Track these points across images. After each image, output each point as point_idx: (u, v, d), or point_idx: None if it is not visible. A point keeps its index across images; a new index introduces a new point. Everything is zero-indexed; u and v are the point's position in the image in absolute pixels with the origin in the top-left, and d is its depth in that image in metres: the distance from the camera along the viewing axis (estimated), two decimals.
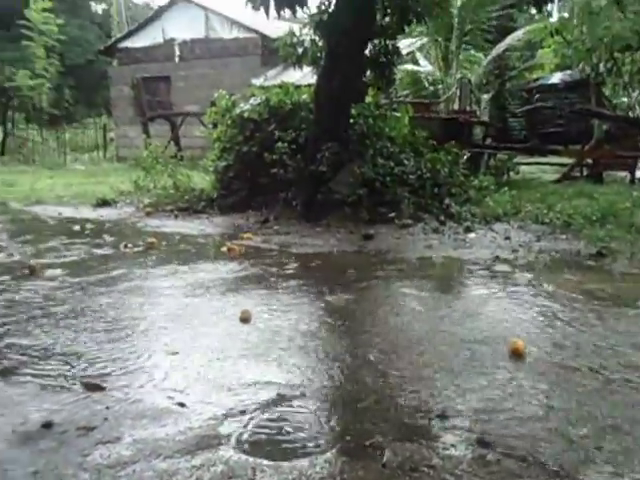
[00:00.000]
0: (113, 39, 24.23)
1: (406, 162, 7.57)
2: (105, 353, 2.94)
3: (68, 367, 2.76)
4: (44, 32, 23.98)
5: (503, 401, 2.42)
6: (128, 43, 21.71)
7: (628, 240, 5.31)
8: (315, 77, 8.18)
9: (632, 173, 10.40)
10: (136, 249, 5.63)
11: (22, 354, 2.94)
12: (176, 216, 7.74)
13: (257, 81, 14.17)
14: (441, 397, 2.50)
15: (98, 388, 2.52)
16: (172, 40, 20.58)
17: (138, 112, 17.61)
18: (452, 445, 2.09)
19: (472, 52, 13.64)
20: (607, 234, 5.61)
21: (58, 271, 4.69)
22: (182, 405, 2.38)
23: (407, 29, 8.57)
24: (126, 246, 5.73)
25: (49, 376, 2.66)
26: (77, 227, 6.90)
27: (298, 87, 8.68)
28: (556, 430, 2.18)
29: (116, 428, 2.19)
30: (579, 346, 3.01)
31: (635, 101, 12.69)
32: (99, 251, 5.60)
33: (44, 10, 23.89)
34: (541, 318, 3.48)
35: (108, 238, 6.24)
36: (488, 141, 11.62)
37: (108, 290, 4.11)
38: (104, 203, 8.82)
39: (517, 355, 2.87)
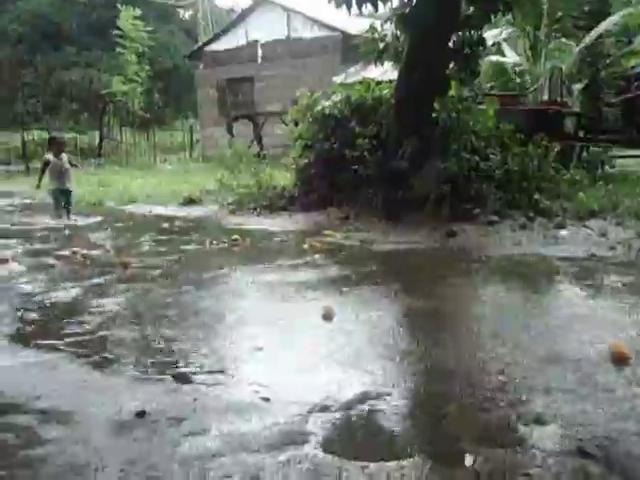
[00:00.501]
0: (199, 43, 25.11)
1: (492, 156, 7.29)
2: (193, 347, 3.01)
3: (159, 360, 2.86)
4: (135, 39, 25.26)
5: (605, 409, 2.24)
6: (213, 47, 22.43)
7: None
8: (396, 72, 8.06)
9: None
10: (221, 245, 5.78)
11: (120, 346, 3.07)
12: (258, 214, 7.88)
13: (337, 79, 14.18)
14: (537, 402, 2.36)
15: (187, 380, 2.59)
16: (255, 42, 21.04)
17: (222, 113, 18.15)
18: (550, 454, 1.96)
19: (563, 40, 12.94)
20: None
21: (147, 266, 4.89)
22: (267, 400, 2.39)
23: (493, 19, 8.23)
24: (211, 243, 5.89)
25: (142, 367, 2.76)
26: (166, 224, 7.19)
27: (379, 83, 8.58)
28: None
29: (204, 420, 2.23)
30: None
31: None
32: (187, 247, 5.80)
33: (135, 18, 25.13)
34: (638, 321, 3.23)
35: (194, 235, 6.45)
36: (581, 133, 10.98)
37: (197, 286, 4.23)
38: (190, 201, 9.14)
39: (620, 360, 2.66)
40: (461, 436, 2.11)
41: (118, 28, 25.32)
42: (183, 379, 2.60)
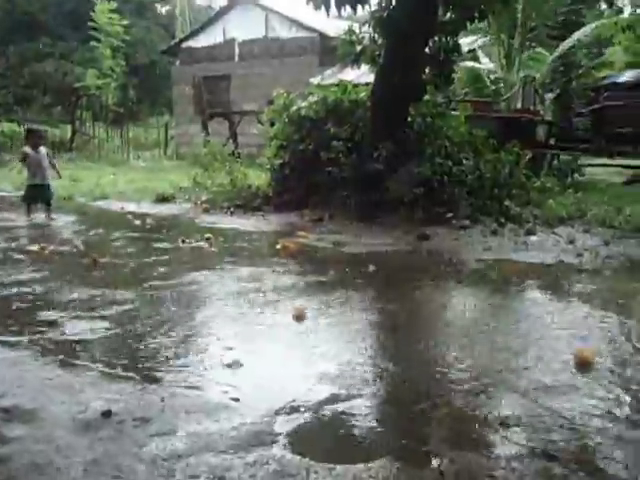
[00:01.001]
0: (176, 39, 24.88)
1: (465, 162, 7.39)
2: (161, 347, 2.98)
3: (127, 359, 2.82)
4: (110, 33, 24.88)
5: (569, 412, 2.29)
6: (190, 43, 22.25)
7: None
8: (372, 76, 8.11)
9: None
10: (194, 244, 5.72)
11: (86, 344, 3.02)
12: (232, 213, 7.84)
13: (315, 80, 14.20)
14: (501, 404, 2.40)
15: (155, 380, 2.56)
16: (232, 40, 20.93)
17: (198, 110, 17.98)
18: (514, 455, 1.99)
19: (537, 49, 13.18)
20: None
21: (117, 263, 4.82)
22: (235, 400, 2.37)
23: (469, 26, 8.35)
24: (184, 241, 5.83)
25: (108, 366, 2.72)
26: (138, 222, 7.09)
27: (356, 86, 8.62)
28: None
29: (171, 420, 2.21)
30: None
31: None
32: (159, 245, 5.73)
33: (110, 11, 24.76)
34: (604, 326, 3.30)
35: (167, 233, 6.38)
36: (551, 141, 11.21)
37: (166, 285, 4.18)
38: (163, 199, 9.04)
39: (584, 364, 2.72)
40: (429, 437, 2.13)
41: (93, 21, 24.92)
42: (151, 379, 2.57)
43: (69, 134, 21.10)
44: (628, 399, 2.41)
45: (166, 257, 5.17)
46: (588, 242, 5.63)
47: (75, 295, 3.86)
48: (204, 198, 8.81)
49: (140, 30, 31.70)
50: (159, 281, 4.26)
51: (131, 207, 8.47)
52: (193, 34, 22.69)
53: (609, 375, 2.64)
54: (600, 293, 4.07)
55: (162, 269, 4.66)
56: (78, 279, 4.32)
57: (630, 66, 13.92)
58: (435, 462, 1.96)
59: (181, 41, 23.14)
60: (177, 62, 23.50)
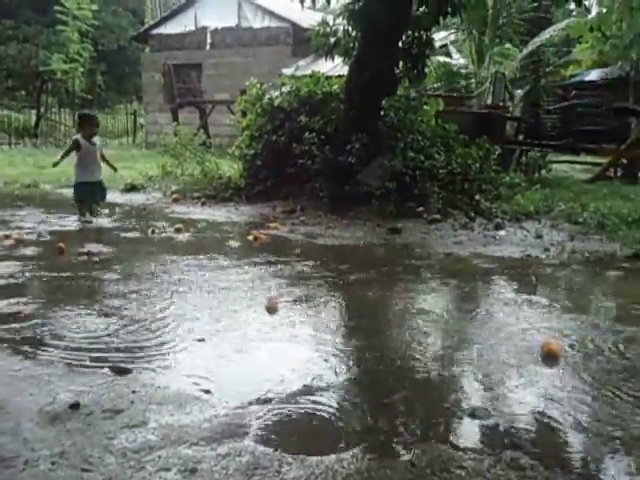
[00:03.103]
0: (146, 26, 24.41)
1: (436, 156, 7.46)
2: (131, 339, 2.94)
3: (96, 351, 2.77)
4: (78, 17, 24.26)
5: (536, 404, 2.34)
6: (161, 30, 21.85)
7: None
8: (346, 68, 8.10)
9: None
10: (163, 235, 5.65)
11: (54, 335, 2.95)
12: (203, 203, 7.76)
13: (288, 71, 14.10)
14: (470, 396, 2.44)
15: (125, 372, 2.52)
16: (204, 28, 20.63)
17: (168, 99, 17.71)
18: (483, 446, 2.03)
19: (507, 46, 13.36)
20: None
21: (84, 252, 4.73)
22: (207, 392, 2.36)
23: (442, 21, 8.40)
24: (153, 232, 5.75)
25: (77, 358, 2.66)
26: (106, 211, 6.96)
27: (329, 78, 8.60)
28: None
29: (142, 412, 2.18)
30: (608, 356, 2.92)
31: None
32: (127, 235, 5.64)
33: None
34: (570, 319, 3.38)
35: (136, 223, 6.28)
36: (520, 138, 11.40)
37: (136, 276, 4.12)
38: (132, 188, 8.89)
39: (551, 356, 2.78)
40: (400, 429, 2.16)
41: (61, 4, 24.25)
42: (121, 371, 2.53)
43: (34, 119, 20.55)
44: (593, 391, 2.47)
45: (134, 247, 5.09)
46: (554, 237, 5.75)
47: (41, 285, 3.77)
48: (174, 188, 8.71)
49: (109, 15, 30.97)
50: (127, 272, 4.19)
51: None
52: (163, 21, 22.28)
53: (575, 367, 2.71)
54: (566, 286, 4.16)
55: (130, 259, 4.59)
56: (43, 268, 4.22)
57: (597, 65, 14.20)
58: (406, 454, 1.98)
59: (151, 27, 22.70)
60: (147, 49, 23.07)
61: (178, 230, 5.75)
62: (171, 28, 21.39)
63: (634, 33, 11.14)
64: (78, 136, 6.27)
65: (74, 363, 2.60)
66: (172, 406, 2.24)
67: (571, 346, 2.95)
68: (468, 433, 2.13)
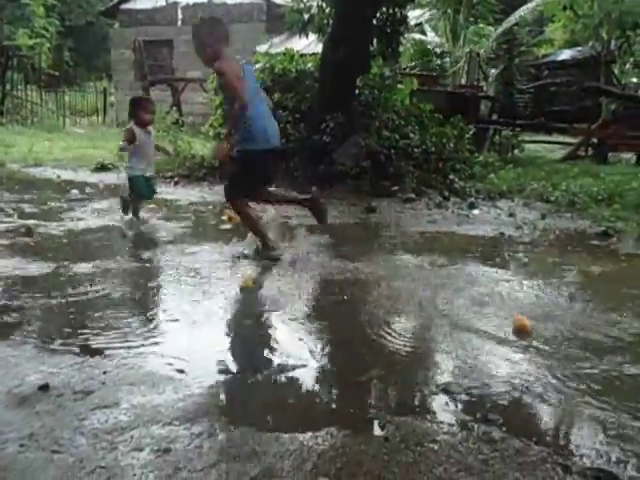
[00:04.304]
0: (115, 0, 23.71)
1: (411, 135, 7.45)
2: (104, 318, 2.89)
3: (67, 332, 2.71)
4: None
5: (508, 379, 2.38)
6: (130, 5, 21.25)
7: (634, 220, 5.25)
8: (320, 46, 8.00)
9: (638, 154, 10.28)
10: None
11: (22, 315, 2.88)
12: (176, 183, 7.64)
13: (262, 48, 13.90)
14: (443, 371, 2.46)
15: (96, 353, 2.48)
16: (175, 3, 20.15)
17: (139, 76, 17.30)
18: (456, 421, 2.05)
19: (482, 26, 13.36)
20: (613, 214, 5.55)
21: (54, 234, 4.62)
22: (181, 372, 2.33)
23: None
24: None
25: (46, 339, 2.61)
26: (76, 190, 6.81)
27: (303, 55, 8.49)
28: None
29: (114, 393, 2.15)
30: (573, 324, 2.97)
31: None
32: (97, 215, 5.52)
33: None
34: (541, 295, 3.44)
35: (107, 202, 6.16)
36: (494, 117, 11.46)
37: (109, 255, 4.04)
38: (103, 167, 8.70)
39: (522, 332, 2.82)
40: (374, 405, 2.17)
41: None
42: (92, 351, 2.49)
43: None
44: (563, 366, 2.52)
45: (106, 227, 4.99)
46: (527, 216, 5.82)
47: (9, 264, 3.68)
48: None
49: None
50: (99, 253, 4.11)
51: (68, 175, 8.12)
52: None
53: (546, 342, 2.75)
54: (538, 264, 4.22)
55: (101, 240, 4.50)
56: (12, 249, 4.11)
57: (569, 44, 14.31)
58: (380, 429, 2.00)
59: (120, 2, 22.06)
60: (116, 24, 22.45)
61: (151, 210, 5.65)
62: (141, 3, 20.82)
63: (604, 12, 11.24)
64: (132, 125, 5.22)
65: (43, 344, 2.55)
66: (145, 386, 2.21)
67: (542, 321, 3.00)
68: (441, 408, 2.15)
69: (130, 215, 5.28)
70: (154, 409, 2.05)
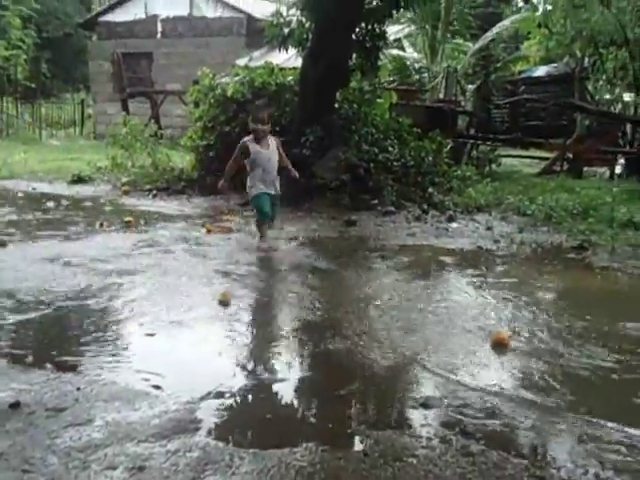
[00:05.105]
0: (94, 12, 23.62)
1: (390, 149, 7.50)
2: (78, 333, 2.83)
3: (39, 347, 2.65)
4: (19, 1, 23.27)
5: (488, 392, 2.38)
6: (109, 17, 21.18)
7: (609, 234, 5.33)
8: (300, 60, 8.04)
9: (612, 169, 10.49)
10: (113, 228, 5.49)
11: None
12: (154, 195, 7.59)
13: (241, 61, 13.93)
14: (422, 385, 2.46)
15: (70, 369, 2.42)
16: (155, 16, 20.13)
17: (117, 88, 17.20)
18: (435, 435, 2.04)
19: (459, 41, 13.57)
20: (588, 227, 5.63)
21: (29, 246, 4.54)
22: (157, 388, 2.29)
23: (395, 14, 8.45)
24: (102, 225, 5.58)
25: (17, 355, 2.55)
26: (51, 203, 6.71)
27: (283, 69, 8.53)
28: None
29: (87, 410, 2.10)
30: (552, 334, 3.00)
31: (617, 97, 12.78)
32: (74, 228, 5.44)
33: None
34: (518, 309, 3.46)
35: (84, 215, 6.08)
36: (472, 132, 11.61)
37: (83, 269, 3.98)
38: (80, 180, 8.60)
39: (500, 345, 2.84)
40: (353, 420, 2.15)
41: None
42: (65, 367, 2.44)
43: None
44: (540, 379, 2.53)
45: (83, 240, 4.92)
46: (504, 229, 5.88)
47: None
48: (124, 180, 8.47)
49: (53, 0, 29.84)
50: (73, 267, 4.04)
51: (44, 188, 8.01)
52: (112, 8, 21.58)
53: (523, 355, 2.77)
54: (515, 277, 4.25)
55: (78, 253, 4.43)
56: None
57: (544, 61, 14.60)
58: (359, 444, 1.98)
59: (98, 14, 21.98)
60: (94, 37, 22.33)
61: (128, 223, 5.59)
62: (120, 16, 20.76)
63: (576, 30, 11.50)
64: (247, 139, 4.67)
65: (14, 360, 2.49)
66: (120, 403, 2.17)
67: (519, 335, 3.01)
68: (420, 422, 2.14)
69: (265, 243, 4.68)
70: (129, 426, 2.00)
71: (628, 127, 11.23)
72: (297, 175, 5.02)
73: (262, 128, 4.55)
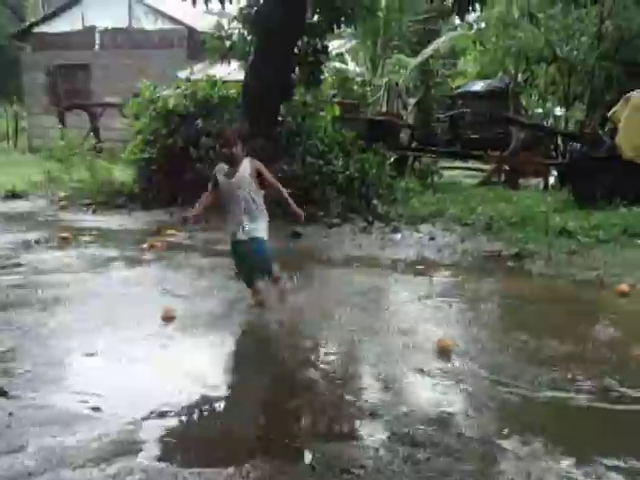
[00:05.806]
0: (28, 23, 22.85)
1: (335, 161, 7.55)
2: (11, 355, 2.69)
3: None
4: None
5: (432, 400, 2.41)
6: (44, 28, 20.52)
7: (544, 242, 5.53)
8: (243, 72, 8.03)
9: (546, 180, 10.93)
10: (48, 244, 5.27)
11: None
12: (94, 210, 7.36)
13: (183, 74, 13.78)
14: (369, 394, 2.46)
15: (1, 393, 2.29)
16: (92, 28, 19.67)
17: (53, 101, 16.68)
18: (382, 444, 2.04)
19: (398, 56, 13.88)
20: (525, 236, 5.82)
21: None
22: (97, 410, 2.20)
23: (337, 30, 8.57)
24: (37, 241, 5.35)
25: None
26: None
27: (226, 82, 8.48)
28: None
29: (20, 436, 1.99)
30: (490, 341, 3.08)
31: (549, 111, 13.37)
32: (8, 246, 5.20)
33: None
34: (461, 316, 3.53)
35: (19, 232, 5.81)
36: (414, 144, 11.85)
37: (16, 288, 3.79)
38: (14, 195, 8.25)
39: (444, 352, 2.88)
40: (300, 433, 2.13)
41: None
42: None
43: None
44: (485, 386, 2.59)
45: (17, 259, 4.70)
46: (447, 239, 6.00)
47: None
48: (62, 194, 8.18)
49: None
50: (7, 287, 3.85)
51: None
52: (47, 19, 20.94)
53: (467, 362, 2.82)
54: (458, 285, 4.34)
55: (11, 273, 4.23)
56: None
57: (480, 77, 15.12)
58: (306, 457, 1.96)
59: (33, 25, 21.28)
60: (27, 48, 21.58)
61: (64, 239, 5.38)
62: (56, 27, 20.16)
63: (507, 47, 11.99)
64: (218, 167, 3.76)
65: None
66: (56, 427, 2.07)
67: (462, 341, 3.07)
68: (368, 432, 2.14)
69: (254, 299, 3.58)
70: (65, 451, 1.91)
71: (559, 140, 11.75)
72: (296, 211, 3.94)
73: (230, 151, 3.57)
